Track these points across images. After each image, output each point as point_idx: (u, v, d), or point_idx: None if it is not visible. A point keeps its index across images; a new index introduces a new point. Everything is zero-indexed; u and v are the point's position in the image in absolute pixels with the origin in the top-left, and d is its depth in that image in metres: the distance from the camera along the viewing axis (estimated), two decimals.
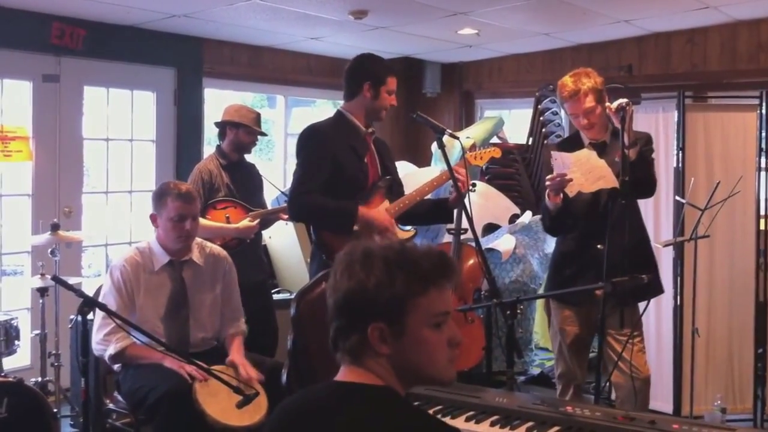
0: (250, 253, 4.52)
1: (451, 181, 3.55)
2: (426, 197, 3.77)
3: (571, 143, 3.74)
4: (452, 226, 4.96)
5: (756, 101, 4.85)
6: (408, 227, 3.89)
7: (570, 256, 3.69)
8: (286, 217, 4.62)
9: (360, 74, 3.63)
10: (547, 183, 3.47)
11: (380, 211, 3.58)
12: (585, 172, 3.39)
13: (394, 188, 3.77)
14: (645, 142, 3.63)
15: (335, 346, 1.68)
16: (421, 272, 1.64)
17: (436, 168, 6.44)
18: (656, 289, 3.75)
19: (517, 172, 6.77)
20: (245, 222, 4.46)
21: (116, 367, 3.55)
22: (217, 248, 3.85)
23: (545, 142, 6.67)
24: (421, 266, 1.64)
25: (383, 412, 1.60)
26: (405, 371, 1.66)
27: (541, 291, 5.74)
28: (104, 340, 3.48)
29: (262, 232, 4.78)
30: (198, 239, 3.77)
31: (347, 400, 1.62)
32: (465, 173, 3.54)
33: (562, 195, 3.49)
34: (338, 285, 1.65)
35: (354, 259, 1.65)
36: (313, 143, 3.59)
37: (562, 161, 3.42)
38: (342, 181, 3.53)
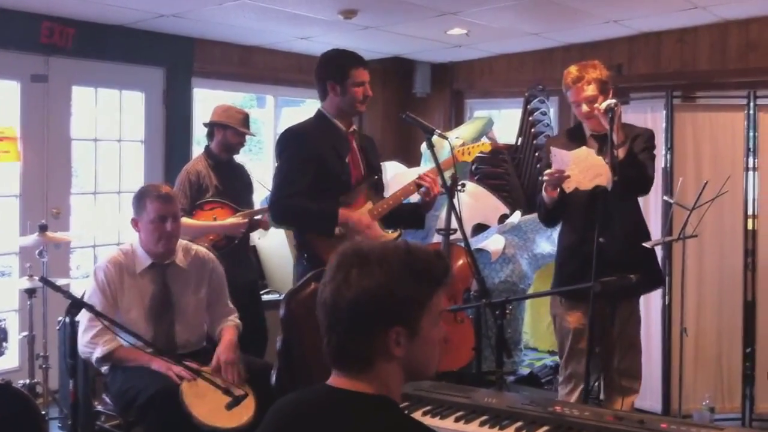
0: (238, 254, 4.52)
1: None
2: (408, 199, 3.76)
3: (573, 135, 3.75)
4: (442, 226, 4.96)
5: (744, 101, 4.87)
6: (391, 229, 3.87)
7: (572, 250, 3.69)
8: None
9: (322, 75, 3.64)
10: (545, 178, 3.47)
11: (361, 212, 3.58)
12: (583, 169, 3.39)
13: (378, 187, 3.75)
14: (646, 139, 3.63)
15: (338, 351, 1.64)
16: (434, 274, 1.67)
17: (425, 168, 6.44)
18: (657, 282, 3.84)
19: (507, 172, 6.77)
20: (232, 219, 4.45)
21: (104, 369, 3.54)
22: (202, 250, 3.83)
23: (534, 142, 6.67)
24: (434, 267, 1.67)
25: (383, 423, 1.60)
26: (409, 371, 1.68)
27: (530, 291, 5.76)
28: (91, 343, 3.46)
29: (251, 233, 4.77)
30: (183, 241, 3.75)
31: (344, 409, 1.61)
32: (433, 178, 3.53)
33: (558, 189, 3.50)
34: (352, 285, 1.61)
35: (369, 259, 1.62)
36: (294, 146, 3.57)
37: (561, 158, 3.42)
38: (325, 183, 3.51)
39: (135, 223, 3.62)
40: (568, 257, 3.73)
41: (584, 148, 3.47)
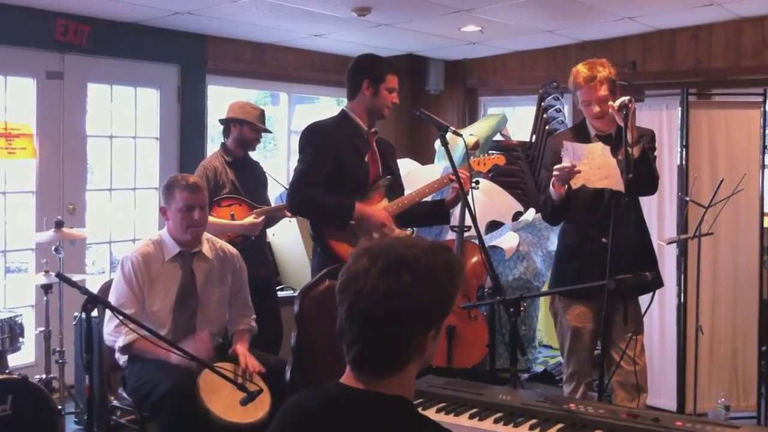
0: (255, 251, 4.53)
1: (451, 184, 3.61)
2: (425, 198, 3.79)
3: (577, 132, 3.73)
4: (456, 223, 4.96)
5: (760, 98, 4.85)
6: (409, 228, 3.90)
7: (574, 249, 3.67)
8: (290, 213, 4.63)
9: (359, 73, 3.68)
10: (555, 173, 3.44)
11: (377, 208, 3.63)
12: (594, 167, 3.36)
13: (395, 188, 3.79)
14: (649, 139, 3.63)
15: (374, 357, 1.60)
16: (462, 274, 1.69)
17: (439, 165, 6.44)
18: (657, 283, 3.76)
19: (521, 170, 6.76)
20: (250, 219, 4.47)
21: (122, 362, 3.57)
22: (228, 246, 3.91)
23: (549, 139, 6.66)
24: (460, 266, 1.69)
25: (399, 424, 1.60)
26: (421, 367, 1.68)
27: (544, 288, 5.75)
28: (115, 331, 3.52)
29: (267, 229, 4.79)
30: (208, 235, 3.83)
31: (361, 409, 1.61)
32: (467, 175, 3.56)
33: (566, 186, 3.49)
34: (405, 294, 1.56)
35: (418, 266, 1.59)
36: (315, 140, 3.64)
37: (573, 152, 3.39)
38: (343, 179, 3.57)
39: (164, 211, 3.71)
40: (568, 256, 3.71)
41: (600, 144, 3.45)
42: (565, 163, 3.41)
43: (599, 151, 3.38)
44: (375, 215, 3.57)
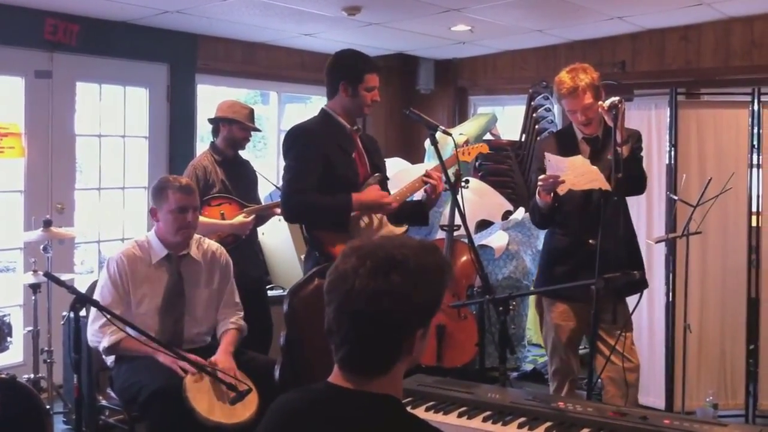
0: (246, 250, 4.52)
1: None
2: (412, 195, 3.79)
3: (564, 137, 3.76)
4: (446, 222, 4.97)
5: (748, 98, 4.87)
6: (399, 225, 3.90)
7: (563, 252, 3.69)
8: (279, 211, 4.62)
9: (336, 73, 3.63)
10: (540, 183, 3.48)
11: (370, 189, 3.60)
12: (578, 174, 3.41)
13: (383, 184, 3.77)
14: (636, 140, 3.65)
15: (362, 356, 1.61)
16: (450, 273, 1.70)
17: (429, 165, 6.44)
18: (643, 284, 3.77)
19: (511, 169, 6.77)
20: (240, 218, 4.46)
21: (109, 361, 3.55)
22: (214, 244, 3.87)
23: (538, 138, 6.67)
24: (448, 266, 1.70)
25: (388, 423, 1.60)
26: (410, 365, 1.68)
27: (534, 287, 5.76)
28: (99, 332, 3.49)
29: (257, 228, 4.78)
30: (196, 236, 3.79)
31: (350, 409, 1.61)
32: (439, 176, 3.55)
33: (552, 194, 3.51)
34: (395, 293, 1.56)
35: (408, 265, 1.59)
36: (302, 143, 3.60)
37: (556, 164, 3.43)
38: (333, 180, 3.53)
39: (154, 212, 3.65)
40: (559, 258, 3.71)
41: (580, 157, 3.50)
42: (549, 173, 3.44)
43: (580, 162, 3.43)
44: (371, 197, 3.56)
